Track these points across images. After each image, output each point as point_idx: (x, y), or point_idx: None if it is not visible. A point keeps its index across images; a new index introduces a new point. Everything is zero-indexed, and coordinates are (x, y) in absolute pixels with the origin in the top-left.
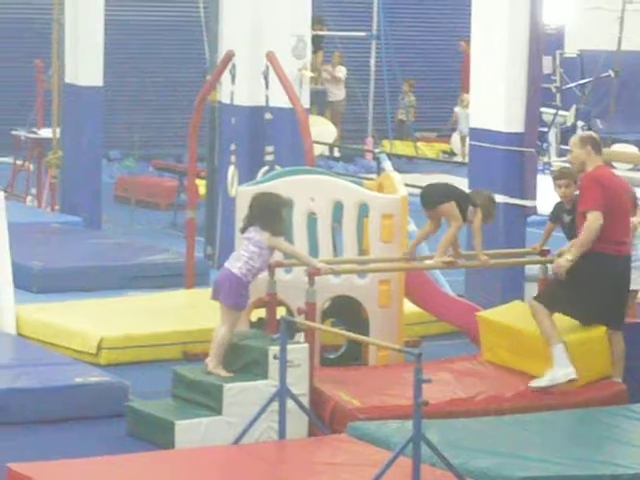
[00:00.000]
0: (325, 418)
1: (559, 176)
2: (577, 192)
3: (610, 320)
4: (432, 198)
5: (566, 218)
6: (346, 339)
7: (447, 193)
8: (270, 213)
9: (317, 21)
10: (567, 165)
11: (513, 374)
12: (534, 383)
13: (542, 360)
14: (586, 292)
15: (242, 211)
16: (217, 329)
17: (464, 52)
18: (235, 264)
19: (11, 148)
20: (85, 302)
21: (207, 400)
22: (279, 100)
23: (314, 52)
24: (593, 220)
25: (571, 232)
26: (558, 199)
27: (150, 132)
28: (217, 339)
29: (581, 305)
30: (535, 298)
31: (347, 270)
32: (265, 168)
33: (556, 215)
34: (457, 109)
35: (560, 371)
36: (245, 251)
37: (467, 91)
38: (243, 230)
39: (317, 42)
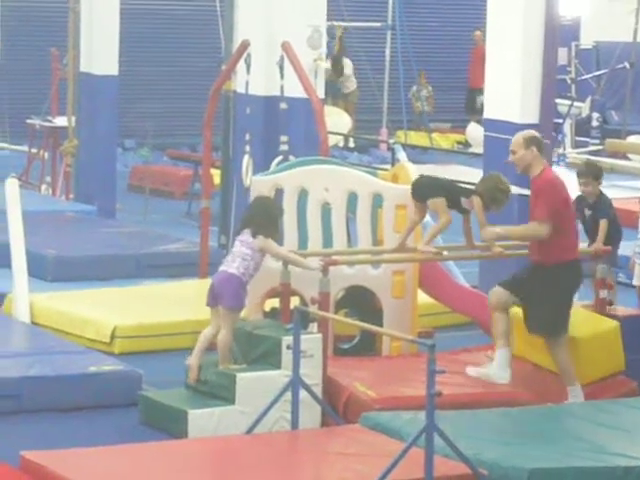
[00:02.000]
0: (339, 408)
1: (578, 174)
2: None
3: (554, 329)
4: (421, 192)
5: (587, 212)
6: (359, 329)
7: (436, 188)
8: (266, 218)
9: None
10: (592, 161)
11: (527, 365)
12: (471, 370)
13: None
14: (545, 301)
15: None
16: (205, 333)
17: (477, 41)
18: (232, 265)
19: (26, 136)
20: (99, 291)
21: (220, 390)
22: (294, 90)
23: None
24: (541, 229)
25: (590, 227)
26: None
27: (165, 121)
28: (220, 345)
29: (534, 312)
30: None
31: (361, 260)
32: (279, 158)
33: (577, 208)
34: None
35: (498, 372)
36: (239, 252)
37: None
38: (238, 232)
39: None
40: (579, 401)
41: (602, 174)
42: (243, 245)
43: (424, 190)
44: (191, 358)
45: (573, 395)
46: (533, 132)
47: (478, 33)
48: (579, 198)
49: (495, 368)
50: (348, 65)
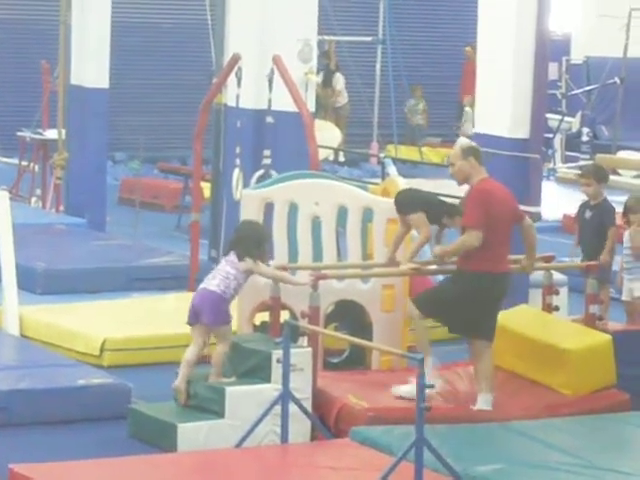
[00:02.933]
0: (330, 420)
1: (580, 175)
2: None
3: (479, 333)
4: (402, 206)
5: (587, 214)
6: (349, 343)
7: (417, 202)
8: (254, 241)
9: (325, 55)
10: (599, 164)
11: (519, 380)
12: (396, 390)
13: (548, 366)
14: (458, 306)
15: (246, 214)
16: (188, 351)
17: (468, 57)
18: (211, 282)
19: (16, 149)
20: (89, 304)
21: (210, 403)
22: (285, 104)
23: (324, 87)
24: (472, 238)
25: (587, 232)
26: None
27: (155, 134)
28: (215, 358)
29: (456, 317)
30: (412, 300)
31: (351, 274)
32: (260, 172)
33: (580, 211)
34: (468, 109)
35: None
36: (222, 270)
37: (464, 94)
38: (226, 253)
39: (328, 77)
40: (488, 408)
41: (606, 178)
42: (228, 264)
43: (405, 204)
44: (177, 381)
45: (484, 402)
46: (470, 142)
47: (469, 49)
48: (582, 203)
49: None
50: (340, 80)
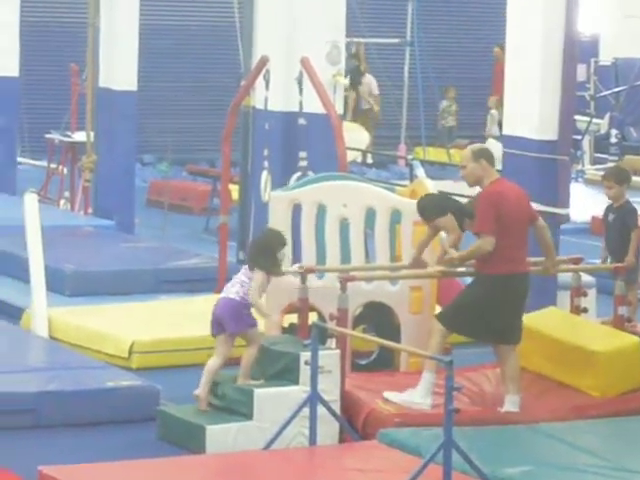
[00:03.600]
0: (358, 424)
1: (602, 178)
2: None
3: (506, 338)
4: (428, 211)
5: (610, 216)
6: (377, 345)
7: (444, 205)
8: (261, 251)
9: (354, 56)
10: (622, 165)
11: (545, 381)
12: (388, 394)
13: (576, 368)
14: (483, 313)
15: (274, 216)
16: (210, 362)
17: (497, 57)
18: (231, 290)
19: (45, 151)
20: (117, 306)
21: (238, 405)
22: (312, 106)
23: (352, 89)
24: (485, 244)
25: (612, 234)
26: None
27: (184, 137)
28: (245, 360)
29: (478, 325)
30: (436, 317)
31: (379, 276)
32: (298, 174)
33: (605, 214)
34: (493, 111)
35: (418, 398)
36: (238, 279)
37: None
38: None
39: (356, 78)
40: (515, 410)
41: (628, 180)
42: (244, 273)
43: (431, 209)
44: (199, 390)
45: (511, 403)
46: (482, 145)
47: (497, 50)
48: (607, 206)
49: (417, 393)
50: (372, 82)
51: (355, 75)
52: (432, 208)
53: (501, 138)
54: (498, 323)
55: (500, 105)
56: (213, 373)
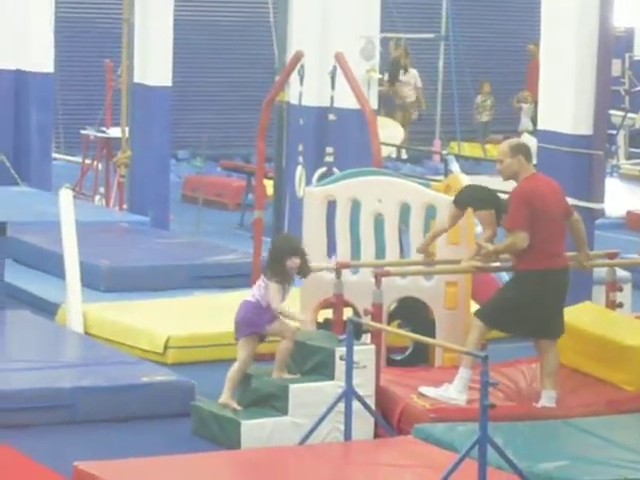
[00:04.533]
0: (393, 419)
1: None
2: None
3: (547, 333)
4: (469, 201)
5: None
6: (412, 341)
7: (489, 199)
8: (269, 258)
9: (396, 47)
10: None
11: (579, 376)
12: (423, 389)
13: (611, 363)
14: (522, 309)
15: (309, 211)
16: (232, 371)
17: (532, 54)
18: (250, 295)
19: (80, 147)
20: (152, 301)
21: (273, 400)
22: (347, 101)
23: (391, 84)
24: (519, 240)
25: None
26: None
27: (218, 132)
28: (280, 353)
29: (517, 321)
30: (475, 313)
31: (414, 271)
32: (322, 170)
33: None
34: (524, 106)
35: (454, 393)
36: (256, 284)
37: (531, 92)
38: None
39: (394, 73)
40: (552, 406)
41: None
42: (262, 279)
43: (473, 201)
44: (223, 398)
45: (548, 398)
46: (519, 140)
47: (532, 47)
48: None
49: (453, 388)
50: (416, 75)
51: (394, 69)
52: (475, 198)
53: (535, 132)
54: (538, 318)
55: (530, 100)
56: (233, 380)
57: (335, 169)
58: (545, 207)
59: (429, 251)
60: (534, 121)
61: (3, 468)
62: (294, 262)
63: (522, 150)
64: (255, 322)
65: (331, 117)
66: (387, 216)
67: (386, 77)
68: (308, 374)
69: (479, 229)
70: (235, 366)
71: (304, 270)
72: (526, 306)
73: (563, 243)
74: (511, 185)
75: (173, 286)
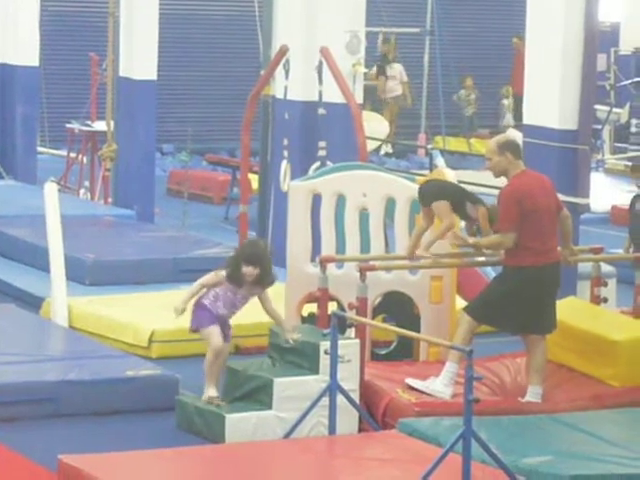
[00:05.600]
0: (378, 413)
1: (631, 169)
2: None
3: (536, 328)
4: (426, 196)
5: (637, 206)
6: (397, 335)
7: (440, 191)
8: (231, 261)
9: (385, 42)
10: None
11: (564, 371)
12: (410, 380)
13: (596, 358)
14: (511, 305)
15: (294, 206)
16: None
17: (516, 48)
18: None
19: (65, 141)
20: (137, 295)
21: (258, 394)
22: (332, 95)
23: (377, 76)
24: (506, 240)
25: (636, 222)
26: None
27: (204, 126)
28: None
29: (506, 317)
30: (464, 309)
31: (398, 266)
32: (317, 164)
33: (631, 204)
34: (505, 100)
35: (440, 386)
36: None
37: (515, 86)
38: None
39: (383, 66)
40: (537, 401)
41: None
42: None
43: (428, 194)
44: (205, 395)
45: (533, 394)
46: (507, 137)
47: (516, 40)
48: (635, 195)
49: (439, 381)
50: (401, 70)
51: (383, 62)
52: (427, 193)
53: (518, 127)
54: (527, 314)
55: (511, 95)
56: (209, 372)
57: (329, 162)
58: (535, 205)
59: (412, 254)
60: (516, 116)
61: None
62: (250, 271)
63: (510, 147)
64: (194, 321)
65: (321, 111)
66: (372, 210)
67: (374, 70)
68: (291, 368)
69: (463, 223)
70: (207, 355)
71: (264, 280)
72: (515, 301)
73: (554, 239)
74: (499, 180)
75: (158, 280)
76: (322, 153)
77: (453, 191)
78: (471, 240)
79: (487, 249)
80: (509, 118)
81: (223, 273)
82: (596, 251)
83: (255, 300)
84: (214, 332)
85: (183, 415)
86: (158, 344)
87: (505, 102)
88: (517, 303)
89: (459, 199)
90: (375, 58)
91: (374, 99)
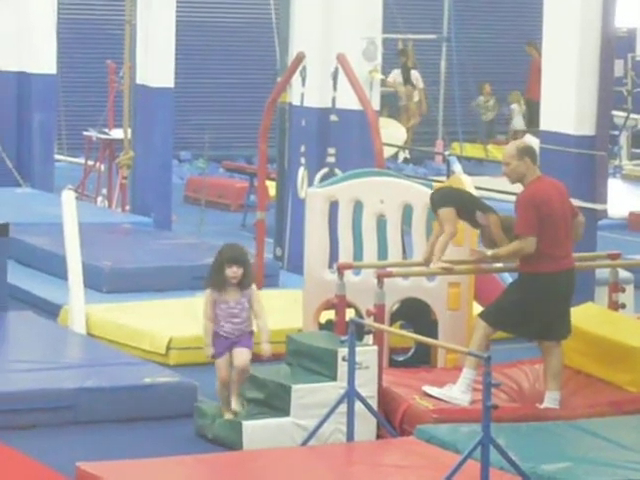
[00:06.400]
0: (396, 420)
1: None
2: None
3: (552, 334)
4: (433, 202)
5: None
6: (415, 342)
7: (448, 198)
8: (213, 266)
9: (403, 53)
10: None
11: (582, 377)
12: (427, 388)
13: (615, 364)
14: (527, 311)
15: (311, 212)
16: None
17: (530, 54)
18: None
19: (83, 148)
20: (155, 302)
21: (275, 401)
22: (349, 102)
23: (405, 85)
24: (527, 245)
25: None
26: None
27: (221, 133)
28: None
29: (522, 323)
30: (479, 315)
31: (416, 272)
32: (324, 170)
33: None
34: (514, 106)
35: (457, 393)
36: None
37: (532, 92)
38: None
39: (405, 74)
40: (555, 407)
41: None
42: None
43: (436, 200)
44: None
45: (551, 400)
46: (526, 143)
47: (529, 47)
48: None
49: (457, 388)
50: (418, 77)
51: (405, 71)
52: (436, 200)
53: (536, 133)
54: (543, 320)
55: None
56: (220, 397)
57: (337, 170)
58: (552, 211)
59: (429, 261)
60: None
61: (6, 469)
62: (233, 271)
63: (529, 152)
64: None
65: (333, 118)
66: (389, 217)
67: (400, 79)
68: (310, 374)
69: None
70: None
71: (247, 280)
72: (531, 308)
73: (569, 245)
74: (515, 186)
75: (175, 287)
76: (331, 160)
77: (461, 198)
78: (490, 252)
79: (507, 258)
80: (516, 123)
81: (208, 291)
82: (613, 257)
83: (272, 306)
84: (219, 366)
85: (201, 422)
86: (176, 351)
87: (514, 107)
88: (532, 310)
89: (468, 206)
90: (392, 65)
91: (391, 106)
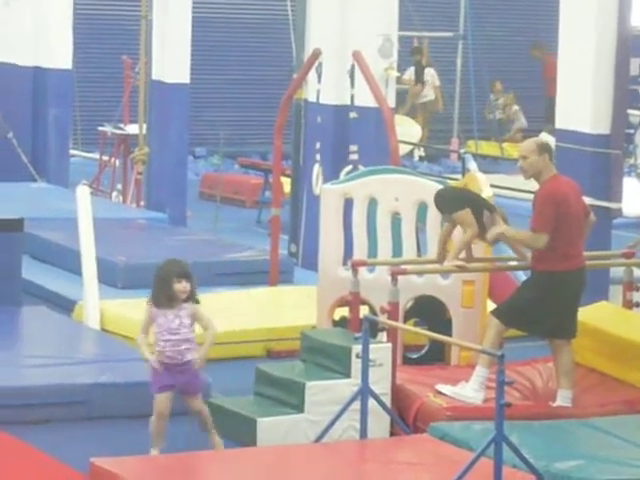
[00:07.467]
0: (409, 417)
1: None
2: None
3: (562, 333)
4: (446, 205)
5: None
6: (429, 339)
7: (462, 199)
8: (157, 282)
9: (417, 51)
10: None
11: (598, 376)
12: (440, 386)
13: (627, 362)
14: (540, 309)
15: (326, 209)
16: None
17: (535, 57)
18: None
19: (98, 144)
20: None
21: (289, 398)
22: (364, 99)
23: (416, 83)
24: (538, 240)
25: None
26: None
27: (236, 129)
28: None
29: (534, 321)
30: (492, 312)
31: (430, 270)
32: (348, 167)
33: None
34: (515, 106)
35: (470, 392)
36: None
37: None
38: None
39: (419, 73)
40: (567, 405)
41: None
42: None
43: (447, 203)
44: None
45: (564, 398)
46: (543, 139)
47: (534, 50)
48: None
49: (469, 387)
50: (434, 75)
51: (418, 69)
52: (448, 201)
53: (553, 131)
54: (554, 318)
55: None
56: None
57: (361, 166)
58: (568, 210)
59: (442, 258)
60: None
61: (19, 464)
62: (183, 286)
63: (548, 149)
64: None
65: (352, 115)
66: (404, 214)
67: (406, 75)
68: (323, 371)
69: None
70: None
71: (193, 295)
72: (543, 306)
73: (582, 244)
74: (531, 184)
75: None
76: (354, 157)
77: (471, 199)
78: (507, 229)
79: (515, 240)
80: (521, 122)
81: (147, 307)
82: (628, 256)
83: (287, 302)
84: (159, 400)
85: (215, 418)
86: None
87: (515, 107)
88: (545, 308)
89: (477, 207)
90: (407, 63)
91: (406, 103)
